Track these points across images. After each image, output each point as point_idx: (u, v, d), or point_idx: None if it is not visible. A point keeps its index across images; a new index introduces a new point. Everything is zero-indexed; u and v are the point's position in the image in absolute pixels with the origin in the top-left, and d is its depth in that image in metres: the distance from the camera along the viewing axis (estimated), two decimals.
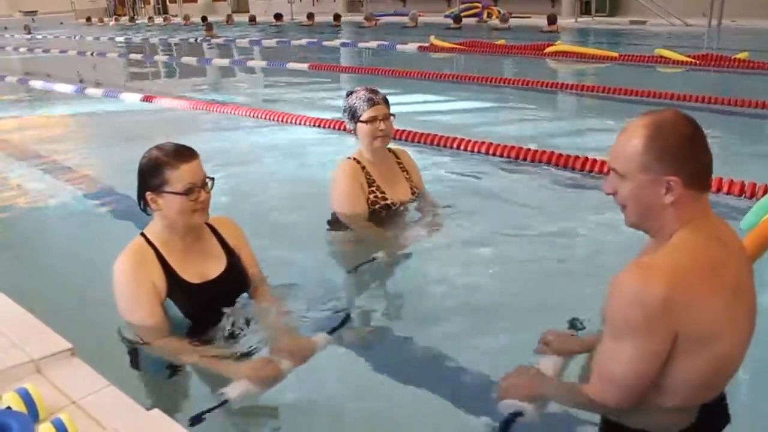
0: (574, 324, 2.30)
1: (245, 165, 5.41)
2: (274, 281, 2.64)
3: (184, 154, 2.24)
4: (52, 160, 5.85)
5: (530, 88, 8.70)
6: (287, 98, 9.26)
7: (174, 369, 2.28)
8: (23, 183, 5.24)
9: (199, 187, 2.24)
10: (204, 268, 2.38)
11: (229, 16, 26.25)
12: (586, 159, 4.80)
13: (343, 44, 15.86)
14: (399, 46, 14.27)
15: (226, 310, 2.38)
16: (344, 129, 3.66)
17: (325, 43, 15.99)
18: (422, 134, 5.77)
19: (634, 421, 1.67)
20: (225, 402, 1.97)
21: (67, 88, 10.47)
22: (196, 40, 19.60)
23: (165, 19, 31.33)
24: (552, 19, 16.23)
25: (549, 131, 6.51)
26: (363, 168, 3.28)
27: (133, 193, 2.32)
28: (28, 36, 25.20)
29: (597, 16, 18.95)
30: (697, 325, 1.51)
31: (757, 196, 3.93)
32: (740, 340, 1.59)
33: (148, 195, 2.24)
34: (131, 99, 9.05)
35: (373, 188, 3.29)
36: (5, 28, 28.48)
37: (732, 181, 4.12)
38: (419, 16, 20.38)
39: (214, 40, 18.78)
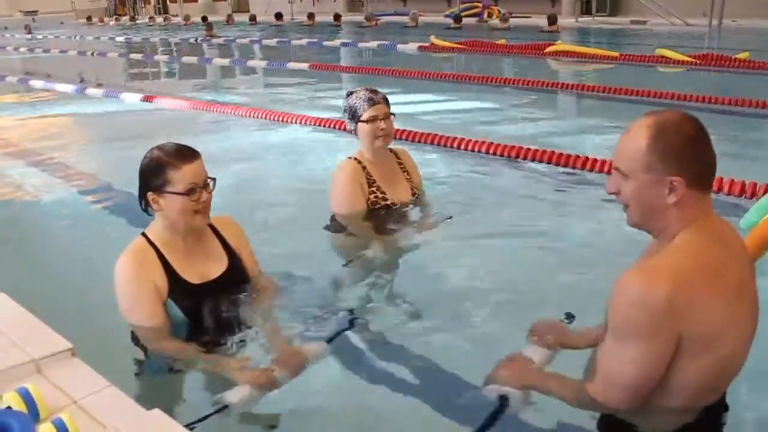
0: (568, 317, 2.33)
1: (245, 165, 5.40)
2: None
3: (186, 154, 2.24)
4: (52, 160, 5.84)
5: (531, 87, 8.69)
6: (287, 98, 9.25)
7: (175, 369, 2.28)
8: (24, 183, 5.24)
9: (201, 187, 2.24)
10: (205, 268, 2.38)
11: (229, 16, 26.26)
12: (587, 158, 4.79)
13: (344, 44, 15.85)
14: (399, 46, 14.27)
15: (226, 310, 2.38)
16: (344, 129, 3.66)
17: (325, 42, 15.98)
18: (422, 134, 5.76)
19: (637, 421, 1.67)
20: (225, 407, 1.97)
21: (67, 88, 10.47)
22: (196, 39, 19.60)
23: (165, 19, 31.33)
24: (552, 20, 16.23)
25: (549, 131, 6.51)
26: (364, 168, 3.28)
27: (134, 193, 2.32)
28: (29, 36, 25.20)
29: (597, 15, 18.94)
30: (701, 327, 1.51)
31: (758, 196, 3.93)
32: (743, 340, 1.59)
33: (150, 195, 2.24)
34: (131, 99, 9.05)
35: (374, 188, 3.29)
36: (5, 27, 28.49)
37: (732, 180, 4.11)
38: (419, 15, 20.38)
39: (214, 40, 18.78)
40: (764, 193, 3.91)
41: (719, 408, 1.70)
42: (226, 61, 14.26)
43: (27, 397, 1.63)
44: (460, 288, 3.04)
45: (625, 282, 1.55)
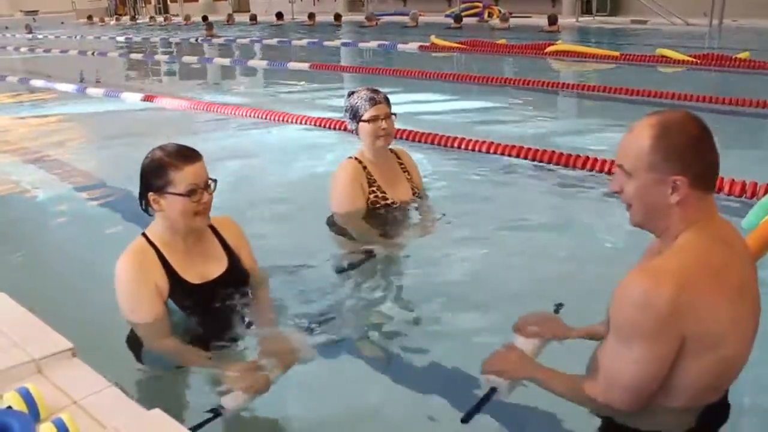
0: (557, 307, 2.34)
1: (246, 164, 5.40)
2: (272, 281, 2.64)
3: (188, 155, 2.24)
4: (53, 160, 5.85)
5: (531, 87, 8.69)
6: (288, 98, 9.26)
7: (175, 369, 2.28)
8: (24, 182, 5.24)
9: (202, 188, 2.24)
10: (205, 268, 2.38)
11: (229, 16, 26.26)
12: (587, 158, 4.79)
13: (344, 44, 15.86)
14: (400, 46, 14.27)
15: (226, 310, 2.38)
16: (345, 129, 3.66)
17: (325, 42, 15.98)
18: (423, 133, 5.76)
19: (638, 421, 1.66)
20: (221, 414, 1.98)
21: (68, 88, 10.48)
22: (196, 39, 19.60)
23: (166, 19, 31.35)
24: (553, 20, 16.23)
25: (550, 130, 6.51)
26: (364, 168, 3.28)
27: (135, 193, 2.32)
28: (30, 36, 25.21)
29: (598, 15, 18.94)
30: (704, 327, 1.51)
31: (758, 196, 3.93)
32: (745, 340, 1.59)
33: (151, 196, 2.24)
34: (132, 98, 9.05)
35: (374, 188, 3.28)
36: (6, 27, 28.50)
37: (733, 180, 4.11)
38: (420, 15, 20.39)
39: (214, 40, 18.79)
40: (765, 193, 3.91)
41: (721, 407, 1.70)
42: (226, 61, 14.25)
43: (27, 397, 1.63)
44: (460, 288, 3.03)
45: (628, 283, 1.54)
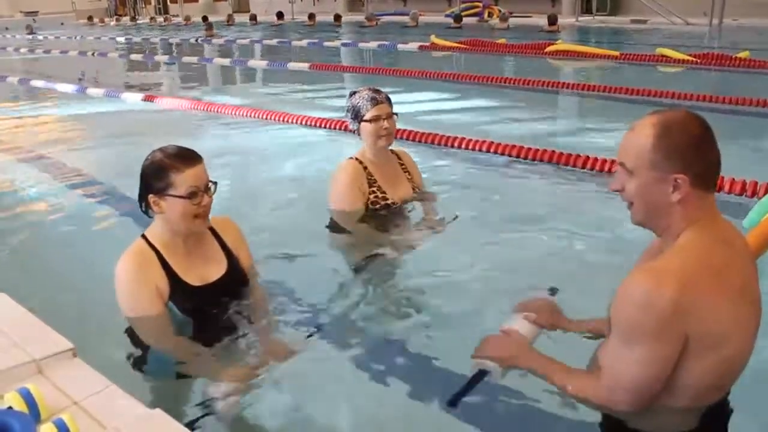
0: (552, 291, 2.34)
1: (245, 165, 5.41)
2: (271, 281, 2.64)
3: (189, 157, 2.24)
4: (53, 160, 5.85)
5: (531, 87, 8.69)
6: (288, 98, 9.26)
7: (176, 369, 2.28)
8: (24, 183, 5.24)
9: (202, 191, 2.24)
10: (205, 270, 2.38)
11: (229, 16, 26.26)
12: (587, 158, 4.79)
13: (344, 44, 15.86)
14: (400, 46, 14.26)
15: (226, 312, 2.39)
16: (346, 129, 3.66)
17: (326, 43, 15.98)
18: (423, 133, 5.76)
19: (641, 422, 1.66)
20: (214, 413, 1.98)
21: (68, 88, 10.48)
22: (197, 40, 19.60)
23: (166, 19, 31.35)
24: (552, 20, 16.22)
25: (550, 130, 6.51)
26: (365, 168, 3.28)
27: (135, 194, 2.32)
28: (30, 36, 25.22)
29: (598, 15, 18.95)
30: (706, 327, 1.50)
31: (759, 195, 3.93)
32: (747, 339, 1.59)
33: (151, 197, 2.24)
34: (132, 99, 9.05)
35: (374, 188, 3.28)
36: (6, 28, 28.51)
37: (734, 179, 4.11)
38: (420, 15, 20.38)
39: (214, 40, 18.78)
40: (765, 192, 3.91)
41: (723, 406, 1.69)
42: (226, 62, 14.25)
43: (28, 398, 1.63)
44: (460, 288, 3.03)
45: (630, 283, 1.54)
